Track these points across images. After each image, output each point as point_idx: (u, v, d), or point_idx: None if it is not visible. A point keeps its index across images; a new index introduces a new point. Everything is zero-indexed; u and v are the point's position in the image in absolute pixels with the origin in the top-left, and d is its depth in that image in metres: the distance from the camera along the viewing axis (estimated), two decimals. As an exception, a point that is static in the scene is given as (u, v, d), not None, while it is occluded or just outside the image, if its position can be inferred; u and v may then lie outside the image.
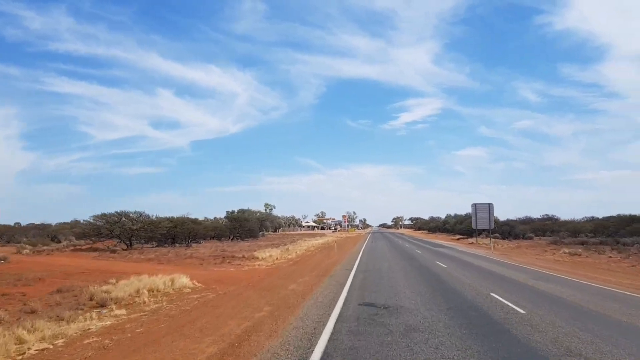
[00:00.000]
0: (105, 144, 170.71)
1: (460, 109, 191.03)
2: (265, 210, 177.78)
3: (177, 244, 45.86)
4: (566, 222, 62.41)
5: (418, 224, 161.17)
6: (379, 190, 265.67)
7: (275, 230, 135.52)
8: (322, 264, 22.09)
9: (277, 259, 27.72)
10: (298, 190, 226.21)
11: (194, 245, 46.06)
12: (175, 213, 49.70)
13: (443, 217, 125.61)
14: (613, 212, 65.86)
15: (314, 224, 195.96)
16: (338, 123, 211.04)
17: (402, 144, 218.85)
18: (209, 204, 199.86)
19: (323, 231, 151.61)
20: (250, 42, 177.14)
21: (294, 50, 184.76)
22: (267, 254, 30.14)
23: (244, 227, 61.00)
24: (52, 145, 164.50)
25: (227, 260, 25.95)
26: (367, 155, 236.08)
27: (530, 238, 55.22)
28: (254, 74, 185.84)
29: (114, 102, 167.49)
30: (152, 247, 40.49)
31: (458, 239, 61.75)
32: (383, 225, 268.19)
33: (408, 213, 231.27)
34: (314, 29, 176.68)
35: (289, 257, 29.01)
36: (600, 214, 75.50)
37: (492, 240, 49.03)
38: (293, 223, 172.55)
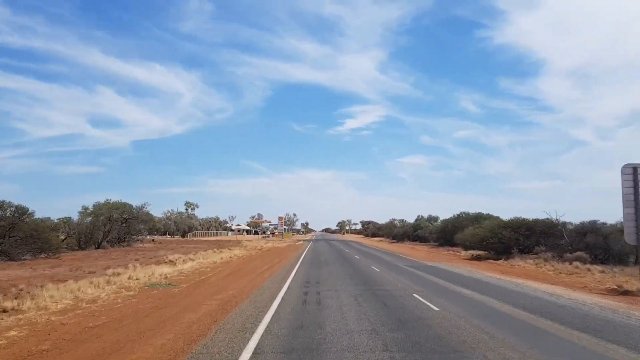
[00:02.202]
0: (42, 141, 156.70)
1: (403, 117, 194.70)
2: (187, 210, 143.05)
3: None
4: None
5: (371, 229, 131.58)
6: (323, 194, 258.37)
7: (183, 235, 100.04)
8: None
9: None
10: (243, 194, 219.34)
11: None
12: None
13: (407, 220, 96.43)
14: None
15: (247, 228, 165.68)
16: (284, 127, 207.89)
17: (347, 150, 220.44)
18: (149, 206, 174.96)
19: (253, 236, 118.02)
20: (196, 42, 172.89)
21: (241, 52, 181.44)
22: None
23: (21, 231, 26.44)
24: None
25: None
26: (313, 160, 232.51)
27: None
28: (199, 74, 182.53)
29: (52, 98, 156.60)
30: None
31: (475, 259, 31.47)
32: (327, 230, 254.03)
33: (352, 218, 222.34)
34: (261, 32, 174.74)
35: None
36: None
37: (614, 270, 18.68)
38: (215, 226, 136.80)
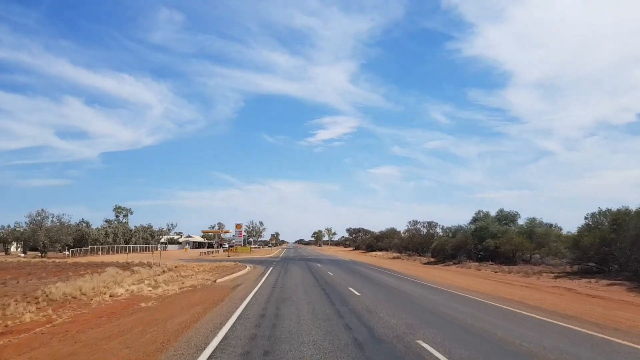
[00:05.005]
0: (6, 153, 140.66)
1: (375, 128, 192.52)
2: (117, 217, 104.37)
3: None
4: None
5: (363, 240, 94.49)
6: (294, 205, 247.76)
7: (68, 250, 60.46)
8: None
9: None
10: (212, 205, 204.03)
11: None
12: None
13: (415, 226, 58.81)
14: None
15: (200, 239, 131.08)
16: (255, 138, 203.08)
17: (319, 161, 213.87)
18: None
19: (202, 251, 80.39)
20: (166, 52, 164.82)
21: (211, 63, 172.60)
22: None
23: None
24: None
25: None
26: (284, 171, 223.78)
27: None
28: (169, 85, 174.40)
29: (17, 110, 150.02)
30: None
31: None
32: (300, 242, 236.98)
33: (325, 228, 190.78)
34: (233, 43, 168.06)
35: None
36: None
37: None
38: (145, 237, 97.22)
